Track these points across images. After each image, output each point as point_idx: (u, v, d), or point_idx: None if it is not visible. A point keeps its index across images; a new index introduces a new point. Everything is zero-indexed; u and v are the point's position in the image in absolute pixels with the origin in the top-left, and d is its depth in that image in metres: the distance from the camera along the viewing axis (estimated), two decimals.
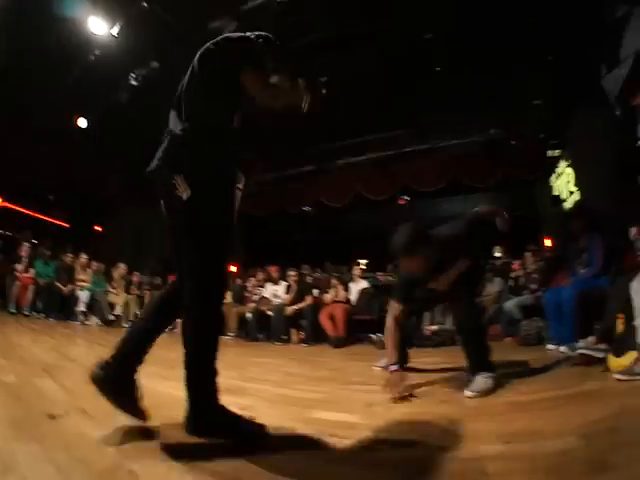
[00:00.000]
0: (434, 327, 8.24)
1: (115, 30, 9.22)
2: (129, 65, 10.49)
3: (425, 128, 12.03)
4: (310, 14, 9.03)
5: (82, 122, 12.28)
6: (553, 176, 12.70)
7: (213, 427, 2.19)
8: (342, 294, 9.34)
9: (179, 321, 2.45)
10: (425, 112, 11.41)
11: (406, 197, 15.45)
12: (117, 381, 2.29)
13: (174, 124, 2.40)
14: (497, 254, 11.58)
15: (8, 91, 10.67)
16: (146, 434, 2.17)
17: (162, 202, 2.40)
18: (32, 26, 9.16)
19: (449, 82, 9.95)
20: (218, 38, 2.66)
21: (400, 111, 11.42)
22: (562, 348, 5.18)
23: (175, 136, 2.36)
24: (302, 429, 2.34)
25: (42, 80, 10.61)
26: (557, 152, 12.05)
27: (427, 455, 1.86)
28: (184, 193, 2.16)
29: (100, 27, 9.22)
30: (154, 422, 2.39)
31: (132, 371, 2.41)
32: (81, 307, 10.36)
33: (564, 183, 11.97)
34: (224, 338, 9.31)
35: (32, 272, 10.41)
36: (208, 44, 2.64)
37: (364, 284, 9.93)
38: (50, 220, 16.29)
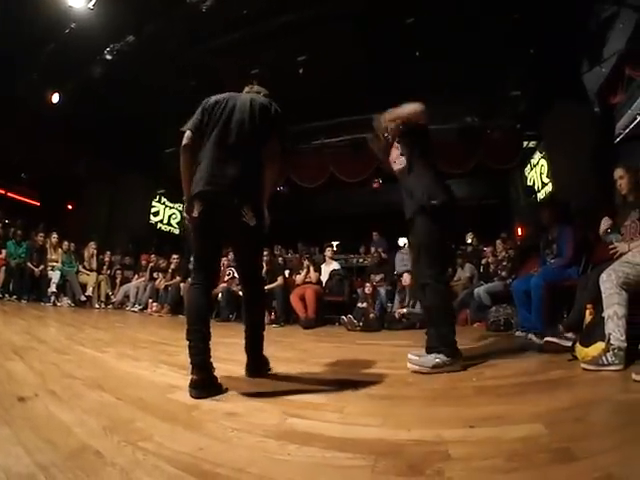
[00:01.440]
0: (404, 310, 8.32)
1: (92, 3, 8.99)
2: (104, 39, 10.31)
3: None
4: None
5: (55, 97, 12.03)
6: (528, 167, 12.87)
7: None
8: (313, 275, 9.32)
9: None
10: (402, 96, 11.40)
11: (380, 180, 15.46)
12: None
13: (234, 173, 2.97)
14: (468, 240, 11.65)
15: None
16: (115, 414, 2.16)
17: (216, 215, 2.96)
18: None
19: (429, 68, 9.95)
20: (273, 104, 3.32)
21: (377, 94, 11.40)
22: (530, 335, 5.26)
23: (246, 173, 3.02)
24: (266, 409, 2.36)
25: (16, 53, 10.37)
26: (533, 143, 12.21)
27: (390, 438, 1.87)
28: (251, 221, 2.96)
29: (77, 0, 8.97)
30: (123, 402, 2.39)
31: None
32: (52, 288, 10.26)
33: (538, 174, 12.15)
34: None
35: (4, 253, 10.26)
36: (268, 104, 3.30)
37: (335, 266, 9.98)
38: (21, 199, 15.98)
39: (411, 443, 1.78)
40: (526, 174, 13.29)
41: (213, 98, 3.31)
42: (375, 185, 15.80)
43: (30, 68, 11.17)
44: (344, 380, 3.14)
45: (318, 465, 1.60)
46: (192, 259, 3.66)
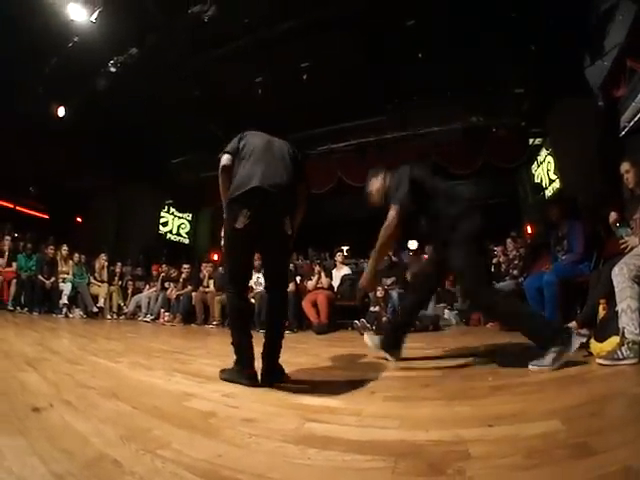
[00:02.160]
0: None
1: (94, 16, 9.04)
2: (108, 52, 10.35)
3: (406, 115, 12.04)
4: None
5: (61, 111, 12.07)
6: (534, 164, 12.81)
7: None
8: (325, 281, 9.32)
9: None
10: (406, 99, 11.41)
11: None
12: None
13: (282, 181, 3.36)
14: None
15: None
16: (131, 423, 2.15)
17: (260, 223, 3.20)
18: (10, 11, 8.99)
19: (431, 69, 9.94)
20: (299, 153, 3.78)
21: (381, 98, 11.42)
22: None
23: (290, 196, 3.44)
24: (283, 414, 2.36)
25: (20, 68, 10.44)
26: (538, 140, 12.15)
27: (409, 439, 1.86)
28: (289, 230, 3.33)
29: (79, 13, 9.07)
30: (139, 411, 2.38)
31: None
32: (64, 300, 10.31)
33: (545, 171, 12.09)
34: (207, 327, 9.32)
35: (14, 266, 10.31)
36: (296, 151, 3.76)
37: (346, 270, 9.97)
38: (30, 212, 16.07)
39: (430, 443, 1.78)
40: (533, 171, 13.23)
41: (249, 132, 3.69)
42: None
43: (35, 83, 11.22)
44: (359, 383, 3.13)
45: (338, 468, 1.61)
46: (227, 268, 3.68)
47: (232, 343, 3.30)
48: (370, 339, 4.53)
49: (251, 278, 3.80)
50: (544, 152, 12.30)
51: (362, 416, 2.28)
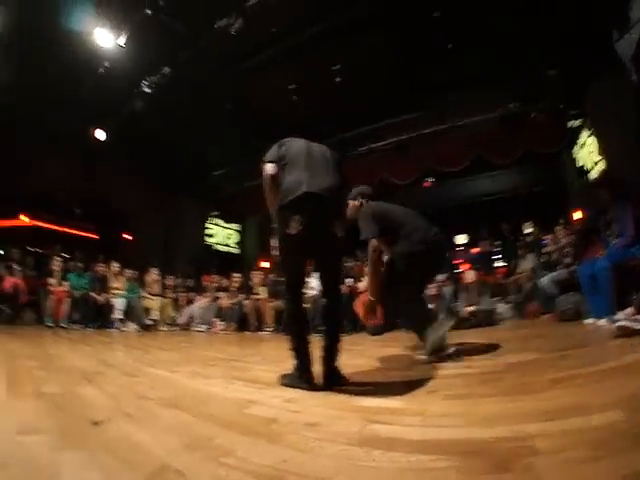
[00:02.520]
0: (470, 308, 8.13)
1: (122, 40, 9.25)
2: (139, 74, 10.62)
3: (442, 108, 11.90)
4: (313, 3, 8.96)
5: (100, 134, 12.54)
6: (576, 147, 12.47)
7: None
8: None
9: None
10: (441, 91, 11.28)
11: (431, 179, 15.27)
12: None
13: (330, 185, 3.38)
14: (527, 230, 11.36)
15: (24, 110, 11.02)
16: (193, 432, 2.14)
17: (313, 227, 3.20)
18: (42, 44, 9.32)
19: (463, 59, 9.81)
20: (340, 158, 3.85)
21: (416, 93, 11.31)
22: (601, 321, 5.10)
23: (337, 199, 3.52)
24: (346, 417, 2.33)
25: (56, 96, 10.82)
26: (578, 122, 11.82)
27: (473, 437, 1.85)
28: (340, 232, 3.37)
29: (107, 38, 9.31)
30: (200, 419, 2.38)
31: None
32: (117, 314, 10.52)
33: (587, 153, 11.74)
34: (260, 334, 9.38)
35: (66, 285, 10.54)
36: (337, 155, 3.83)
37: None
38: (79, 233, 16.53)
39: (494, 440, 1.76)
40: (575, 155, 12.90)
41: (286, 139, 3.70)
42: (426, 184, 15.64)
43: (71, 109, 11.61)
44: (419, 383, 3.10)
45: (404, 469, 1.58)
46: (282, 275, 3.64)
47: (290, 348, 3.31)
48: None
49: (304, 283, 3.72)
50: (585, 134, 11.93)
51: (424, 416, 2.26)
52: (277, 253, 3.44)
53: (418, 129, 12.50)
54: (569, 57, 9.79)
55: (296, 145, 3.62)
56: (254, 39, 9.75)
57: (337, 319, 3.61)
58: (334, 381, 3.26)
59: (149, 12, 8.78)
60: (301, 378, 3.21)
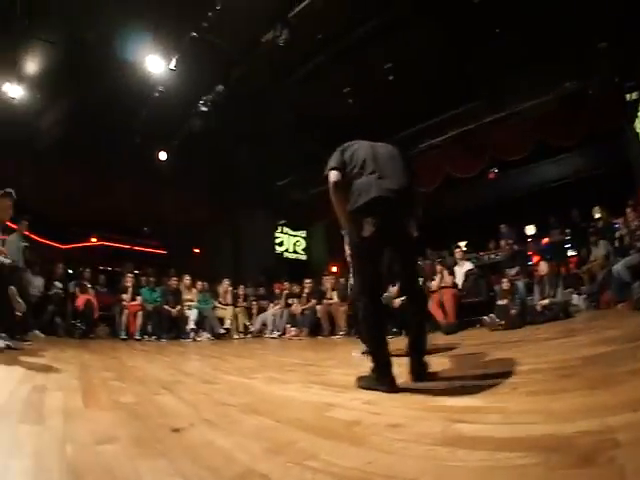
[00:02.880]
0: (545, 301, 7.91)
1: (172, 64, 9.54)
2: (195, 94, 10.95)
3: (498, 95, 11.56)
4: (354, 5, 8.90)
5: (162, 155, 13.11)
6: (637, 120, 11.86)
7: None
8: (448, 279, 9.17)
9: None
10: (494, 79, 10.98)
11: (495, 169, 14.93)
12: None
13: (399, 185, 3.36)
14: (597, 215, 10.85)
15: (84, 137, 11.55)
16: (275, 437, 2.12)
17: (386, 229, 3.22)
18: (101, 75, 9.79)
19: (512, 43, 9.50)
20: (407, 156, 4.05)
21: (469, 83, 11.05)
22: None
23: (408, 190, 3.42)
24: (427, 418, 2.30)
25: (116, 123, 11.34)
26: (635, 94, 11.26)
27: (557, 432, 1.79)
28: (415, 233, 3.44)
29: (158, 65, 9.65)
30: (282, 424, 2.36)
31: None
32: (191, 325, 10.79)
33: None
34: (334, 338, 9.37)
35: (139, 300, 10.85)
36: (403, 150, 3.86)
37: (468, 265, 9.70)
38: (149, 250, 17.10)
39: (578, 435, 1.71)
40: (637, 129, 12.25)
41: (349, 143, 3.70)
42: (491, 175, 15.30)
43: (131, 134, 12.16)
44: (499, 380, 3.05)
45: (491, 468, 1.55)
46: (357, 278, 3.67)
47: (368, 351, 3.40)
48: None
49: (382, 285, 4.05)
50: None
51: (507, 413, 2.23)
52: (350, 259, 3.65)
53: (476, 120, 12.19)
54: (619, 28, 9.36)
55: (361, 148, 3.59)
56: (302, 48, 9.81)
57: (421, 315, 3.64)
58: (421, 376, 3.32)
59: (195, 34, 8.95)
60: (379, 380, 3.14)
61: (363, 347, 4.75)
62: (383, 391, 3.02)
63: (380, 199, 3.19)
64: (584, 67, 10.47)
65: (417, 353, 3.38)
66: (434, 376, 3.44)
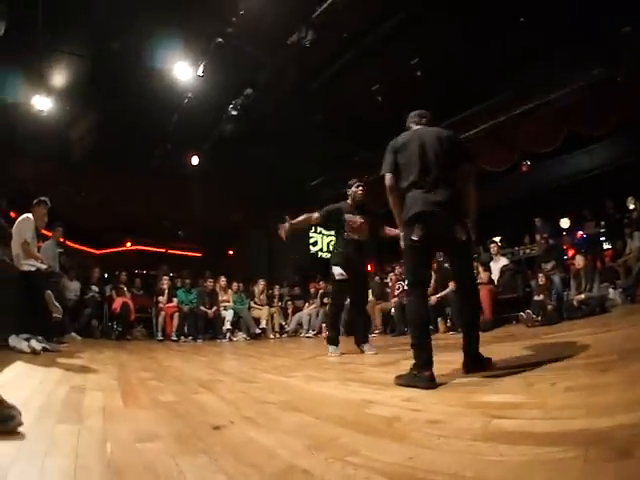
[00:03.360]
0: (581, 296, 7.80)
1: (200, 70, 9.62)
2: (224, 98, 11.02)
3: (526, 86, 11.39)
4: (376, 2, 8.86)
5: (194, 160, 13.29)
6: None
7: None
8: (484, 275, 9.06)
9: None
10: (521, 69, 10.82)
11: (527, 162, 14.70)
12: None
13: (443, 197, 3.52)
14: (631, 206, 10.60)
15: (117, 146, 11.84)
16: (316, 433, 2.14)
17: (433, 236, 3.52)
18: (122, 83, 9.94)
19: (537, 32, 9.33)
20: (453, 134, 4.14)
21: (498, 73, 10.90)
22: None
23: (453, 198, 3.60)
24: (467, 414, 2.30)
25: (147, 131, 11.64)
26: None
27: (596, 426, 1.79)
28: (463, 236, 3.51)
29: (186, 71, 9.78)
30: (322, 421, 2.39)
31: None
32: (227, 325, 10.92)
33: None
34: (370, 336, 9.40)
35: (175, 301, 11.02)
36: (452, 135, 4.04)
37: (504, 261, 9.61)
38: (184, 253, 17.29)
39: (617, 428, 1.71)
40: None
41: (400, 139, 3.87)
42: (524, 168, 15.06)
43: (162, 140, 12.40)
44: (537, 376, 3.07)
45: (532, 462, 1.54)
46: (407, 277, 3.97)
47: (411, 344, 3.42)
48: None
49: (429, 285, 4.06)
50: None
51: (547, 408, 2.22)
52: (405, 261, 3.88)
53: (505, 112, 12.02)
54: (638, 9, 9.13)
55: (408, 143, 3.77)
56: (328, 47, 9.78)
57: (474, 308, 3.95)
58: (478, 367, 3.49)
59: (220, 40, 9.01)
60: (419, 377, 3.18)
61: (333, 348, 5.97)
62: (422, 388, 3.04)
63: (424, 213, 3.48)
64: (610, 53, 10.26)
65: (471, 345, 3.57)
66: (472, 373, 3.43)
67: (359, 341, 6.14)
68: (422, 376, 3.16)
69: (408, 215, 3.56)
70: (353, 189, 6.27)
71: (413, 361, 3.28)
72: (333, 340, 6.07)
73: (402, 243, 3.70)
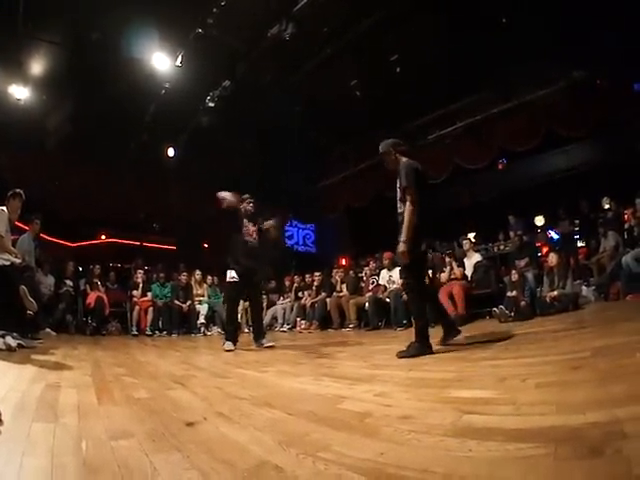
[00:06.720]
0: (554, 293, 7.89)
1: (178, 61, 9.59)
2: (201, 89, 11.00)
3: (505, 86, 11.52)
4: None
5: (170, 151, 13.26)
6: None
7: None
8: (458, 271, 9.21)
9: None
10: (502, 69, 10.91)
11: (503, 160, 14.80)
12: None
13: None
14: (606, 206, 10.78)
15: (93, 136, 11.71)
16: (288, 429, 2.17)
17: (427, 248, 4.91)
18: (97, 74, 9.79)
19: (518, 33, 9.43)
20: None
21: (478, 73, 10.98)
22: None
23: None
24: (438, 409, 2.33)
25: (123, 121, 11.51)
26: None
27: (566, 423, 1.81)
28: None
29: (163, 62, 9.73)
30: (294, 416, 2.40)
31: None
32: (201, 319, 10.94)
33: None
34: (344, 331, 9.39)
35: (150, 296, 10.98)
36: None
37: (477, 257, 9.71)
38: (158, 246, 17.13)
39: (587, 426, 1.74)
40: None
41: (414, 163, 4.72)
42: (500, 166, 15.16)
43: (139, 131, 12.30)
44: (509, 372, 3.10)
45: (501, 458, 1.57)
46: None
47: (416, 320, 4.55)
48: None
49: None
50: None
51: (517, 404, 2.24)
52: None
53: (484, 111, 12.16)
54: (627, 17, 9.25)
55: (417, 171, 4.63)
56: (308, 41, 9.82)
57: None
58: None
59: (200, 31, 8.96)
60: (424, 346, 4.34)
61: (229, 343, 6.45)
62: (429, 353, 4.24)
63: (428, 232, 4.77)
64: (592, 57, 10.38)
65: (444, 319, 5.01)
66: (443, 367, 3.59)
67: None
68: (427, 344, 4.37)
69: (421, 233, 4.49)
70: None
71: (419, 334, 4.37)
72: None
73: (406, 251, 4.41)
